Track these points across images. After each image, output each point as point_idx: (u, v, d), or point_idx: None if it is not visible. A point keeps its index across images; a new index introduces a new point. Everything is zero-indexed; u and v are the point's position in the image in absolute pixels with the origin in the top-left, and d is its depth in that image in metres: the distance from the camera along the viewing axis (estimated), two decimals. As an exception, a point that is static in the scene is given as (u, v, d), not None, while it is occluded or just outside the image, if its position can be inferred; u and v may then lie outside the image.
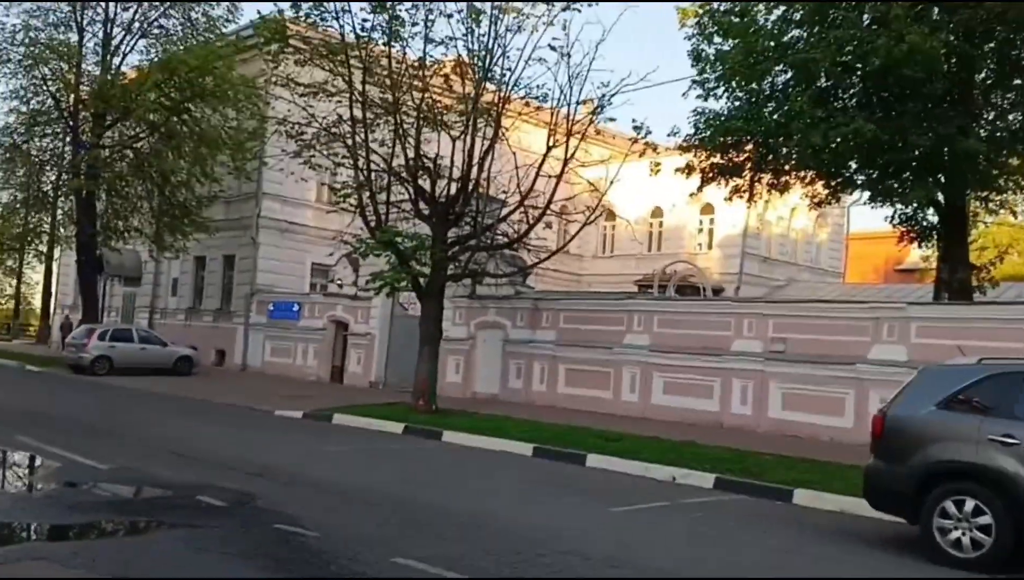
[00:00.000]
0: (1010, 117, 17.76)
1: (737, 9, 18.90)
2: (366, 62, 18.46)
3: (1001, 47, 16.49)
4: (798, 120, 16.52)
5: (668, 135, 19.93)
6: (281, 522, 6.95)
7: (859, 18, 16.52)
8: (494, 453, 13.95)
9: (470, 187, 18.56)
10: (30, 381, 24.47)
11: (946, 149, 16.22)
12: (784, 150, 18.85)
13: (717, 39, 19.39)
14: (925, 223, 19.11)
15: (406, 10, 18.25)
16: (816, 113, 16.24)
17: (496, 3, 17.86)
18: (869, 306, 18.22)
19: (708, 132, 19.27)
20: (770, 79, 18.83)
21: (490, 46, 18.07)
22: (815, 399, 17.41)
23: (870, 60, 15.29)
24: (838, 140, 16.35)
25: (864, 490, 8.55)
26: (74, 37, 29.76)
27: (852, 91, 17.67)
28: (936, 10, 16.00)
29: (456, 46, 18.43)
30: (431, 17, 18.32)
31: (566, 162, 18.18)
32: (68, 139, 30.62)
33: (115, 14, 29.91)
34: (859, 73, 16.71)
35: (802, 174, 19.76)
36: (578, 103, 17.95)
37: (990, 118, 17.84)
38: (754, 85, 18.78)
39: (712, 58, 19.04)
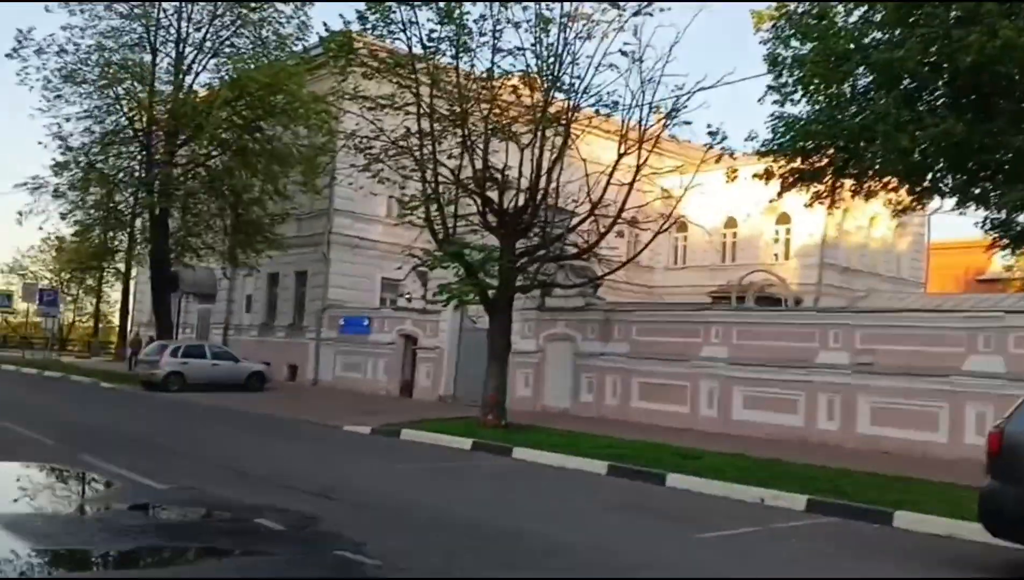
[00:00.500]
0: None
1: (815, 11, 18.32)
2: (433, 74, 18.22)
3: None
4: (883, 122, 15.79)
5: (746, 140, 19.38)
6: (343, 548, 6.50)
7: (946, 15, 15.71)
8: (567, 471, 13.36)
9: (538, 198, 18.14)
10: (102, 398, 24.70)
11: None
12: (868, 154, 18.25)
13: (794, 42, 18.90)
14: (1019, 229, 18.09)
15: (473, 21, 17.98)
16: (902, 114, 15.51)
17: (566, 5, 17.44)
18: (964, 315, 17.20)
19: (788, 136, 18.72)
20: (850, 82, 18.22)
21: (559, 52, 17.67)
22: (906, 413, 16.51)
23: (960, 58, 14.56)
24: (926, 142, 15.61)
25: (979, 514, 7.75)
26: (147, 57, 30.36)
27: (939, 92, 16.88)
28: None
29: (524, 55, 18.08)
30: (499, 27, 18.02)
31: (639, 169, 17.61)
32: (141, 158, 31.16)
33: (187, 34, 30.47)
34: (947, 72, 15.90)
35: (886, 179, 18.97)
36: (651, 108, 17.40)
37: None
38: (834, 88, 18.21)
39: (789, 62, 18.54)
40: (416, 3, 17.69)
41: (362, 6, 17.67)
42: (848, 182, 19.69)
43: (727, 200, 30.66)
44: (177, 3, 30.19)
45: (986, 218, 18.36)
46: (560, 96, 18.35)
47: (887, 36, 17.11)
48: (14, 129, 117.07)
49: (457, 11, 17.60)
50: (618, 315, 22.56)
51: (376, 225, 32.38)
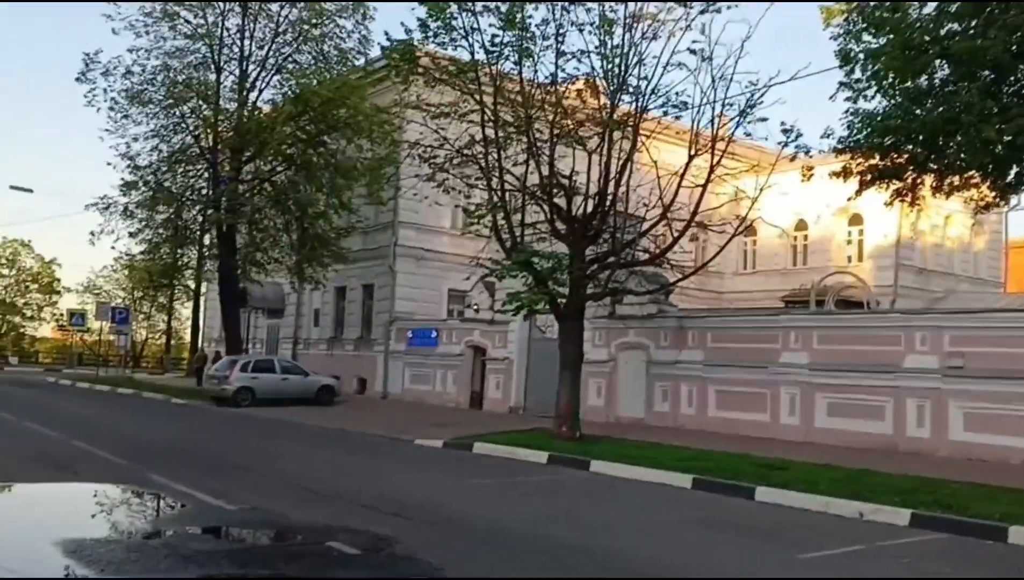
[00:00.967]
0: None
1: (888, 4, 17.69)
2: (497, 80, 17.92)
3: None
4: (967, 113, 15.05)
5: (822, 137, 18.70)
6: (419, 573, 6.16)
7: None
8: (649, 485, 12.82)
9: (607, 203, 17.67)
10: (173, 415, 24.80)
11: None
12: (951, 148, 17.51)
13: (867, 36, 18.31)
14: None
15: (536, 25, 17.62)
16: (987, 105, 14.76)
17: (630, 5, 16.98)
18: (1060, 314, 16.29)
19: (865, 132, 18.08)
20: (928, 74, 17.53)
21: (625, 53, 17.20)
22: (1003, 419, 15.68)
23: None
24: (1012, 134, 14.84)
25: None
26: (212, 76, 30.66)
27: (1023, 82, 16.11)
28: None
29: (589, 58, 17.65)
30: (562, 30, 17.63)
31: (712, 169, 17.05)
32: (208, 175, 31.47)
33: (250, 52, 30.75)
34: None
35: (968, 174, 18.19)
36: (724, 104, 16.80)
37: None
38: (910, 83, 17.51)
39: (862, 57, 17.94)
40: (477, 8, 17.37)
41: (423, 13, 17.43)
42: (929, 179, 19.01)
43: (797, 202, 29.85)
44: (240, 22, 30.47)
45: (1077, 213, 17.55)
46: (627, 98, 17.91)
47: (963, 27, 16.43)
48: (84, 150, 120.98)
49: (519, 15, 17.26)
50: (692, 321, 21.96)
51: (441, 236, 32.25)
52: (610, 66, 17.42)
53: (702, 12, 16.78)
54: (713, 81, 16.70)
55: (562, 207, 18.17)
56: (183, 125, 30.63)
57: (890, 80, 17.84)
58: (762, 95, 16.77)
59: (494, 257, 19.35)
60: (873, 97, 18.45)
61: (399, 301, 31.62)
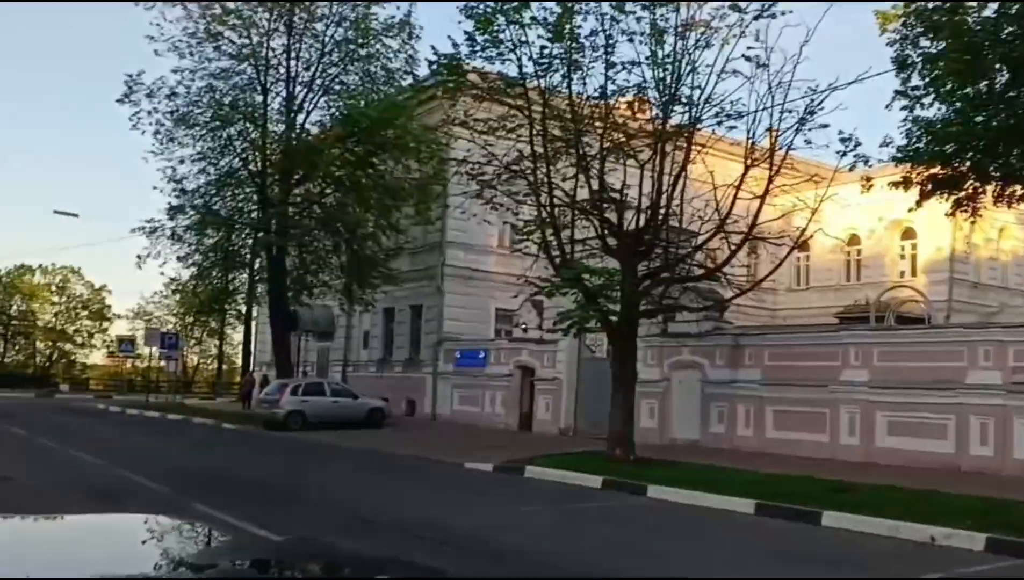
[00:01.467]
0: None
1: (947, 6, 17.16)
2: (545, 94, 17.61)
3: None
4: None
5: (881, 145, 18.17)
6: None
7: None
8: (711, 511, 12.20)
9: (660, 216, 17.21)
10: (222, 440, 24.65)
11: None
12: (1013, 155, 16.92)
13: (924, 42, 17.82)
14: None
15: (585, 36, 17.29)
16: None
17: (682, 12, 16.59)
18: None
19: (926, 140, 17.54)
20: (987, 80, 16.97)
21: (678, 61, 16.78)
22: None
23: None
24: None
25: None
26: (259, 98, 30.73)
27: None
28: None
29: (640, 68, 17.25)
30: (612, 40, 17.28)
31: (771, 180, 16.50)
32: (258, 198, 31.49)
33: (297, 73, 30.76)
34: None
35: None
36: (783, 111, 16.27)
37: None
38: (968, 89, 17.14)
39: (919, 64, 17.45)
40: (524, 20, 17.07)
41: (470, 27, 17.19)
42: (991, 188, 18.38)
43: (849, 216, 29.15)
44: (286, 41, 30.51)
45: None
46: (679, 109, 17.45)
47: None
48: (131, 174, 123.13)
49: (568, 27, 16.95)
50: (748, 339, 21.35)
51: (489, 256, 32.05)
52: (662, 75, 17.03)
53: (756, 17, 16.31)
54: (770, 88, 16.18)
55: (613, 221, 17.75)
56: (231, 147, 30.79)
57: (949, 86, 17.41)
58: (823, 100, 16.18)
59: (543, 275, 19.00)
60: (931, 105, 18.10)
61: (447, 322, 31.47)
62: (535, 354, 26.60)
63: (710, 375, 21.53)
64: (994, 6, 16.94)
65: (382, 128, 27.92)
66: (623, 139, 17.83)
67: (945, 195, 18.95)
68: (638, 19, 16.77)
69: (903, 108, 18.26)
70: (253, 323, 44.38)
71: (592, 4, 17.06)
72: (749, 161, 16.74)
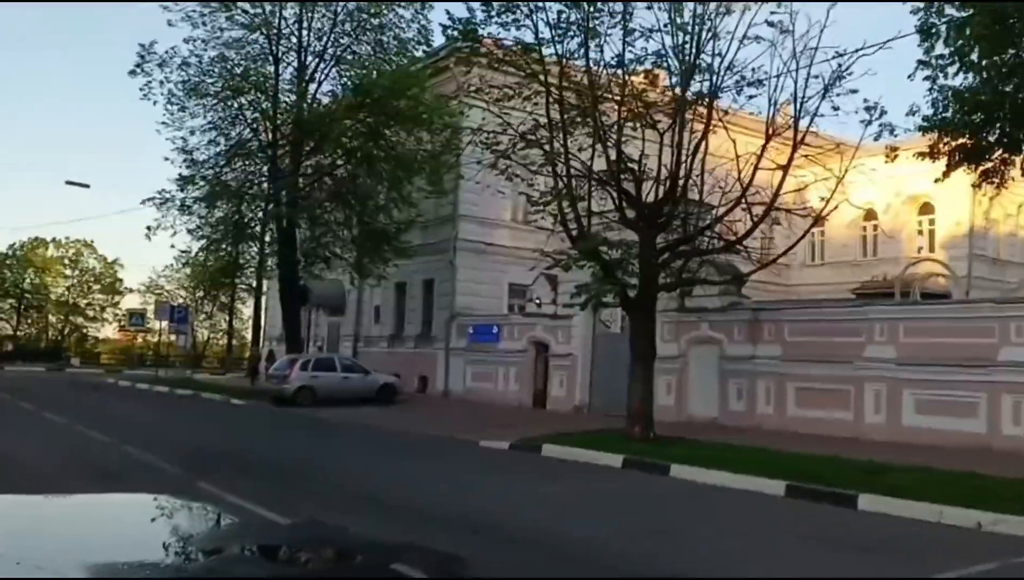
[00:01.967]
0: None
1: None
2: (562, 60, 17.04)
3: None
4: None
5: (907, 114, 17.54)
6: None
7: None
8: (738, 492, 11.68)
9: (679, 187, 16.66)
10: (230, 416, 24.24)
11: None
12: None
13: (950, 9, 17.20)
14: None
15: (603, 1, 16.66)
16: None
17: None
18: None
19: (953, 108, 16.99)
20: (1016, 49, 16.38)
21: (697, 27, 16.17)
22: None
23: None
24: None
25: None
26: (270, 68, 30.31)
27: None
28: None
29: (660, 35, 16.62)
30: (630, 6, 16.66)
31: (795, 148, 15.90)
32: (268, 169, 31.09)
33: (309, 43, 30.31)
34: None
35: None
36: (808, 77, 15.64)
37: None
38: (996, 58, 16.44)
39: (944, 32, 16.84)
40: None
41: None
42: (1019, 158, 17.84)
43: (866, 191, 28.56)
44: (298, 11, 30.03)
45: None
46: (698, 77, 16.85)
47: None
48: (140, 144, 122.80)
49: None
50: (768, 314, 20.81)
51: (502, 229, 31.54)
52: (681, 42, 16.42)
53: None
54: (795, 54, 15.54)
55: (631, 193, 17.22)
56: (241, 118, 30.43)
57: (975, 55, 16.79)
58: (852, 63, 15.52)
59: (557, 248, 18.51)
60: (956, 75, 17.44)
61: (460, 296, 30.99)
62: (549, 329, 26.13)
63: (729, 351, 21.02)
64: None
65: (394, 98, 27.48)
66: (642, 108, 17.26)
67: (973, 166, 18.42)
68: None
69: (926, 78, 17.69)
70: (264, 298, 44.06)
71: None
72: (772, 129, 16.14)
